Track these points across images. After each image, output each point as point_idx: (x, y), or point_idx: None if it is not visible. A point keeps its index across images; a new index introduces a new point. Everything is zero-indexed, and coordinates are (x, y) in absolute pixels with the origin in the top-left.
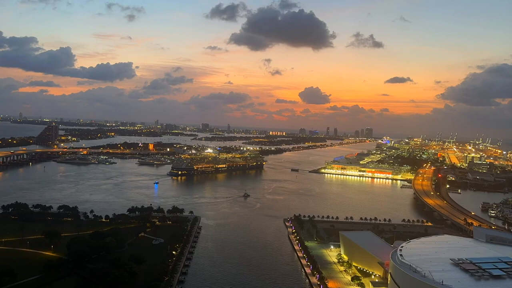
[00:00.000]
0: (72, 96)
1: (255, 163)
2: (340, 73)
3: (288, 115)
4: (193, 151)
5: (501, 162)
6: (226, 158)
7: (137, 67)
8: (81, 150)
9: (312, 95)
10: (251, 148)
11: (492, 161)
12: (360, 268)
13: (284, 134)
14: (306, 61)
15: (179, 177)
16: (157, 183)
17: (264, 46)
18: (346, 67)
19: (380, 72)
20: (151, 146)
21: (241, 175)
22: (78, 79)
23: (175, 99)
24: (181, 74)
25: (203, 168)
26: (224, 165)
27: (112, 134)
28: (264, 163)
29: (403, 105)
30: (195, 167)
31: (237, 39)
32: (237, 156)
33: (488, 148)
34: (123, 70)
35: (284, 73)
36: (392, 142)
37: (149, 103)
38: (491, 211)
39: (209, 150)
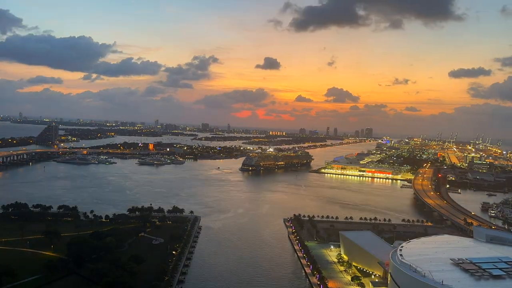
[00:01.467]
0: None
1: (305, 161)
2: None
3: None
4: (259, 151)
5: (501, 162)
6: (284, 156)
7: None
8: (81, 150)
9: None
10: (251, 148)
11: (492, 161)
12: (360, 268)
13: (284, 134)
14: None
15: (249, 172)
16: None
17: None
18: None
19: None
20: (151, 146)
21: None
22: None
23: None
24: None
25: (266, 165)
26: (282, 162)
27: (112, 134)
28: (312, 160)
29: None
30: (261, 164)
31: None
32: (292, 154)
33: (488, 148)
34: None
35: None
36: (392, 142)
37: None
38: (491, 211)
39: (271, 150)
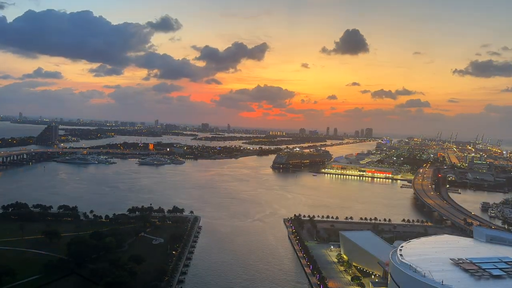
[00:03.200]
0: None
1: (325, 160)
2: None
3: None
4: (288, 150)
5: (501, 162)
6: (308, 154)
7: None
8: (81, 150)
9: None
10: (251, 148)
11: (492, 161)
12: (360, 268)
13: (284, 134)
14: None
15: (280, 170)
16: None
17: None
18: None
19: None
20: (151, 146)
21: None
22: None
23: None
24: None
25: (294, 162)
26: (307, 160)
27: (112, 134)
28: (332, 159)
29: None
30: (290, 162)
31: None
32: (315, 153)
33: (488, 148)
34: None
35: None
36: (392, 142)
37: None
38: (491, 211)
39: (297, 149)
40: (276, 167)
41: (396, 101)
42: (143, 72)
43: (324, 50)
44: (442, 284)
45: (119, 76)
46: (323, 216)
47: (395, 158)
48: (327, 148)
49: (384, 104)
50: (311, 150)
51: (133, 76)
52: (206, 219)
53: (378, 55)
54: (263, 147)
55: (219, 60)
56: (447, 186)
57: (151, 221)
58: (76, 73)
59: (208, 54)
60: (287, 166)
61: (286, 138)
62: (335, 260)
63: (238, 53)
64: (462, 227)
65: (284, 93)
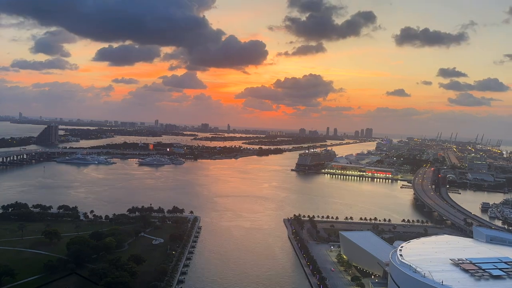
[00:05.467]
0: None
1: (332, 160)
2: None
3: None
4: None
5: (501, 162)
6: (323, 155)
7: None
8: (81, 150)
9: None
10: (251, 148)
11: (492, 161)
12: (360, 268)
13: (283, 134)
14: None
15: (305, 171)
16: None
17: None
18: None
19: None
20: (151, 146)
21: None
22: None
23: None
24: None
25: (316, 164)
26: (323, 161)
27: (112, 134)
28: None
29: None
30: (313, 163)
31: None
32: (326, 154)
33: (488, 148)
34: None
35: None
36: (392, 142)
37: None
38: (491, 211)
39: (317, 150)
40: (300, 169)
41: None
42: None
43: None
44: (442, 284)
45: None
46: (323, 216)
47: (395, 159)
48: (327, 148)
49: None
50: (321, 150)
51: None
52: (206, 218)
53: None
54: (263, 147)
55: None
56: (447, 186)
57: (151, 221)
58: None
59: None
60: (310, 168)
61: (286, 138)
62: (335, 260)
63: None
64: (462, 227)
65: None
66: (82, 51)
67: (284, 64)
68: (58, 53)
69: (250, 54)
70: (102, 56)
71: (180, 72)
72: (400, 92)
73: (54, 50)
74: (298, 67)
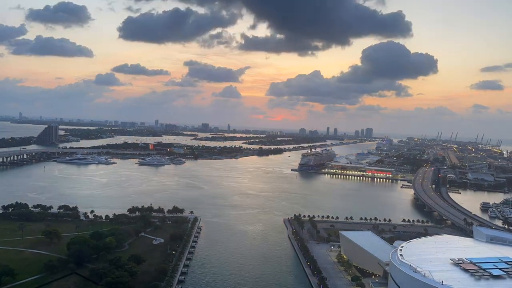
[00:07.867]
0: None
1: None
2: None
3: None
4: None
5: (501, 162)
6: (325, 155)
7: None
8: (81, 150)
9: None
10: (251, 148)
11: (492, 161)
12: (360, 268)
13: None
14: None
15: (309, 171)
16: None
17: None
18: None
19: None
20: (151, 146)
21: None
22: None
23: None
24: None
25: (319, 164)
26: (325, 161)
27: (112, 134)
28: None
29: None
30: (316, 163)
31: None
32: (326, 154)
33: (488, 148)
34: None
35: None
36: (392, 142)
37: None
38: (491, 211)
39: (318, 150)
40: (303, 169)
41: None
42: None
43: None
44: (442, 284)
45: None
46: (323, 216)
47: (395, 158)
48: (328, 148)
49: None
50: (322, 150)
51: None
52: (206, 218)
53: None
54: (263, 147)
55: None
56: (447, 186)
57: (151, 221)
58: None
59: None
60: (313, 168)
61: (286, 138)
62: (335, 260)
63: None
64: (462, 227)
65: None
66: None
67: None
68: None
69: None
70: None
71: None
72: None
73: None
74: None
